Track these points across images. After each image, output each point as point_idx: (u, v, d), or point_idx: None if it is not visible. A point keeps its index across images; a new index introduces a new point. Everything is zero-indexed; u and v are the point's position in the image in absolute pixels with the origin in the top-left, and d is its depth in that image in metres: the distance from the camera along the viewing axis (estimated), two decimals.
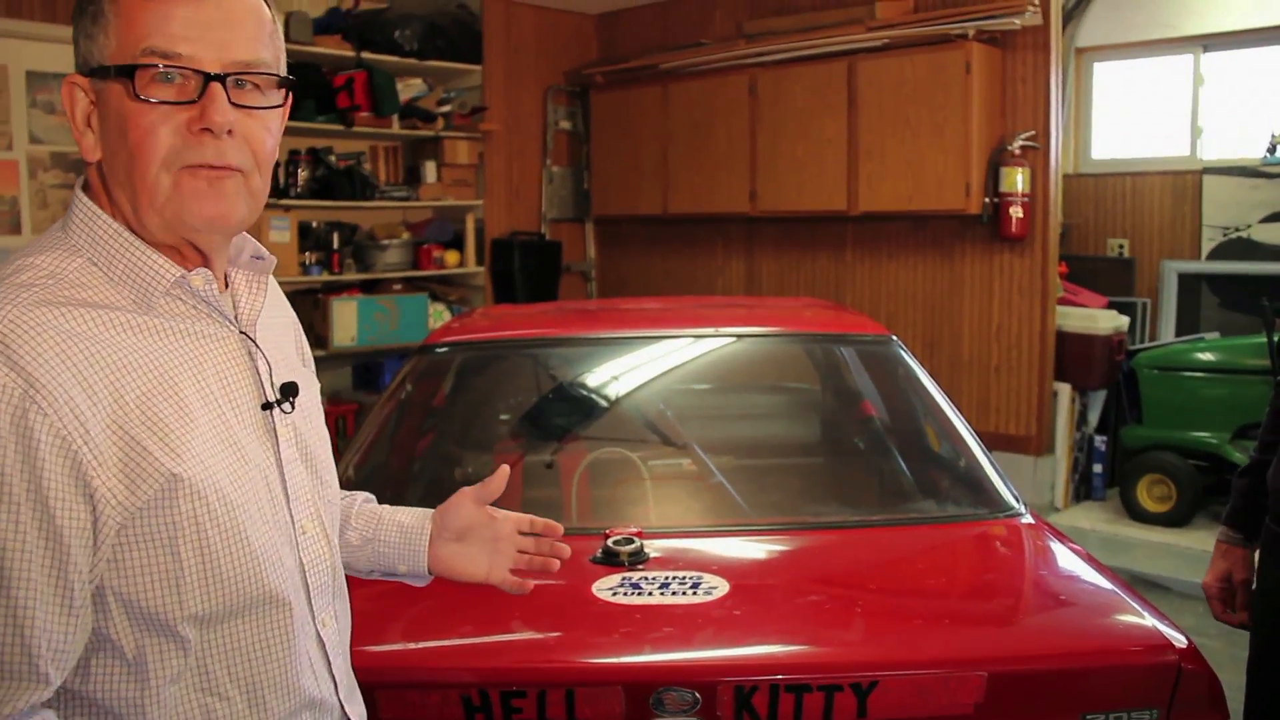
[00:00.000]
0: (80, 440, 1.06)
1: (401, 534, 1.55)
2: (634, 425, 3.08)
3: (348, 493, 1.58)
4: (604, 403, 3.10)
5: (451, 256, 6.89)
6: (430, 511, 1.58)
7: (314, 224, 6.34)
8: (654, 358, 3.12)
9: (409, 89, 6.62)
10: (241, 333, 1.25)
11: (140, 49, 1.12)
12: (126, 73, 1.12)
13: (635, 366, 3.14)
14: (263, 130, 1.20)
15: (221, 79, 1.14)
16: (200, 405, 1.16)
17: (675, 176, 6.96)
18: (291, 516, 1.26)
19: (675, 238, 7.33)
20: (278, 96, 1.22)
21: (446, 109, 6.84)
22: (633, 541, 2.20)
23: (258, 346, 1.26)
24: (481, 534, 1.57)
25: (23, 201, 5.62)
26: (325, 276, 6.26)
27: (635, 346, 3.14)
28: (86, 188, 1.22)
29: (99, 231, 1.18)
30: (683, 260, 7.30)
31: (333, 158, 6.36)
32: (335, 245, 6.31)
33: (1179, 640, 1.86)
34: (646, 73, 7.13)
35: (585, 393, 3.13)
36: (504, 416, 3.39)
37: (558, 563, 1.59)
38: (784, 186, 6.39)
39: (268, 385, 1.26)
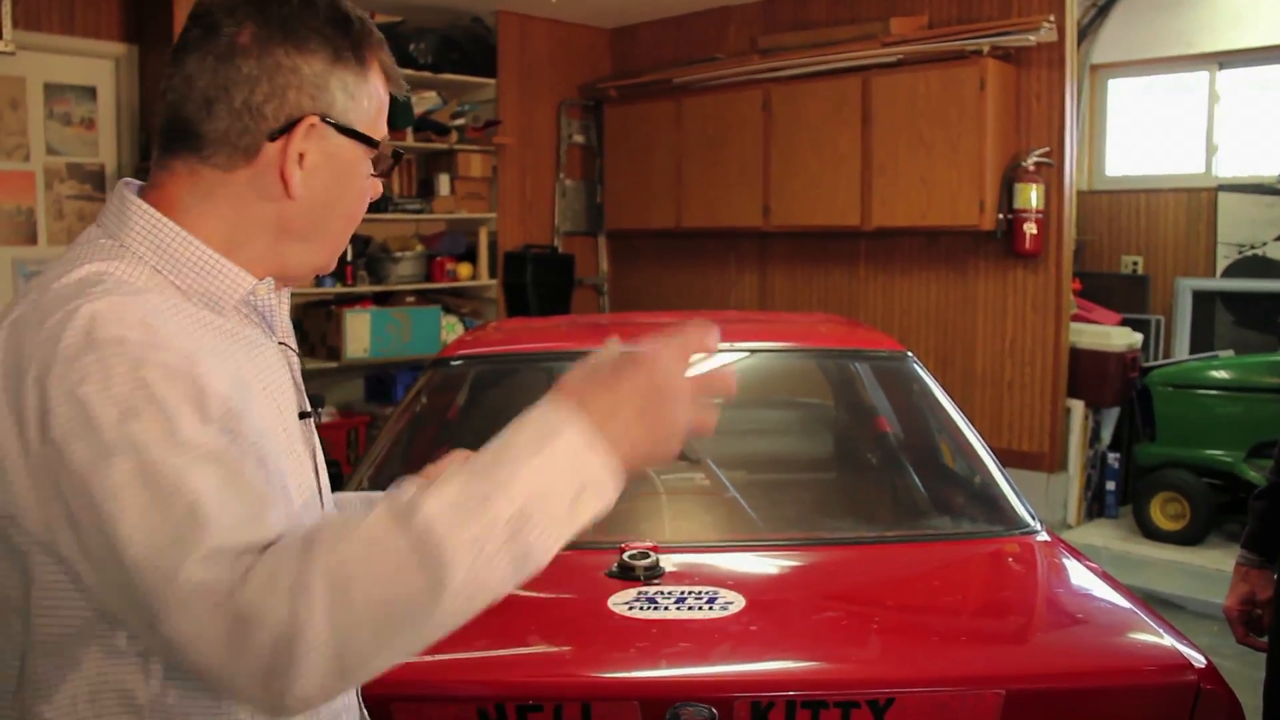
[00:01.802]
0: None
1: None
2: None
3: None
4: None
5: (464, 269, 6.90)
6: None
7: None
8: None
9: (423, 102, 6.64)
10: (280, 343, 1.26)
11: (382, 136, 1.21)
12: (395, 156, 1.25)
13: None
14: None
15: None
16: (269, 409, 1.16)
17: (688, 191, 6.97)
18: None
19: (688, 252, 7.33)
20: None
21: (460, 122, 6.86)
22: (648, 556, 2.19)
23: (296, 355, 1.28)
24: None
25: (39, 212, 5.65)
26: (338, 288, 6.27)
27: None
28: (141, 194, 1.17)
29: (167, 241, 1.14)
30: (695, 275, 7.31)
31: None
32: (348, 257, 6.32)
33: (1198, 660, 1.85)
34: (660, 87, 7.14)
35: None
36: None
37: None
38: (797, 201, 6.39)
39: (303, 395, 1.27)
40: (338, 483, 1.76)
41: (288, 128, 1.13)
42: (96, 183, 5.83)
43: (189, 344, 1.03)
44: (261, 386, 1.16)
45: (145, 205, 1.15)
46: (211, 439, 0.97)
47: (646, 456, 1.05)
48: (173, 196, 1.16)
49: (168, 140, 1.16)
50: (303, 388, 1.28)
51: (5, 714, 1.07)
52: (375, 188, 1.24)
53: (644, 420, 1.04)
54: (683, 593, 2.09)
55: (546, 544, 0.98)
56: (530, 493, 0.96)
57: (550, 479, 0.98)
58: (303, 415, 1.25)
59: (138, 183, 1.19)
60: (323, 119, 1.15)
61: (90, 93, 5.77)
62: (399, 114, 6.07)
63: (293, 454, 1.19)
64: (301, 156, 1.15)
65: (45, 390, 0.98)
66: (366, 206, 1.24)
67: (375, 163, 1.21)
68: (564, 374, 1.07)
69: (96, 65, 5.77)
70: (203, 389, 1.00)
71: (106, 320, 1.00)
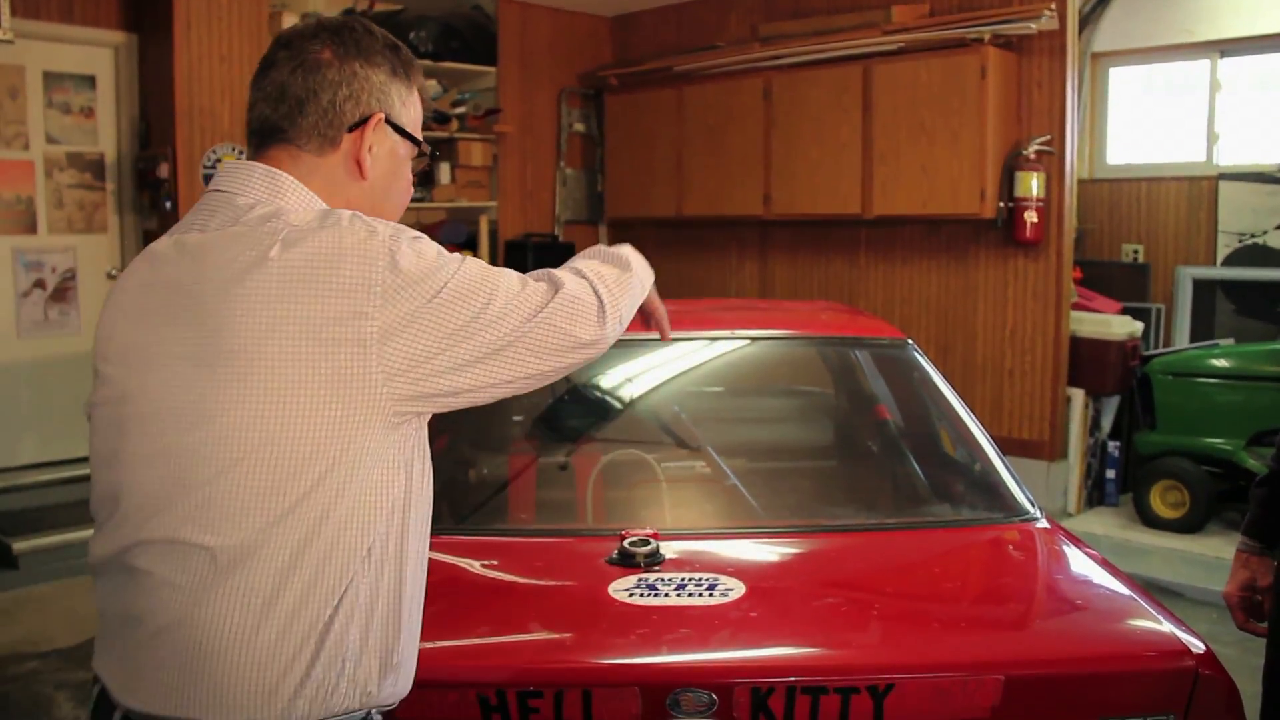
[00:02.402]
0: None
1: None
2: (648, 427, 3.08)
3: None
4: (618, 404, 3.10)
5: None
6: None
7: None
8: (668, 360, 3.12)
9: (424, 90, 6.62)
10: None
11: (421, 133, 1.55)
12: (432, 155, 1.62)
13: (649, 368, 3.14)
14: None
15: None
16: None
17: (689, 179, 6.96)
18: None
19: (689, 240, 7.33)
20: None
21: (461, 111, 6.86)
22: (649, 543, 2.20)
23: None
24: None
25: (38, 201, 5.65)
26: None
27: (649, 348, 3.13)
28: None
29: (317, 208, 1.42)
30: (696, 263, 7.31)
31: None
32: None
33: (1196, 646, 1.86)
34: (661, 75, 7.13)
35: (600, 394, 3.13)
36: (518, 418, 3.39)
37: None
38: (798, 190, 6.39)
39: None
40: None
41: (362, 122, 1.46)
42: (96, 171, 5.83)
43: None
44: None
45: (296, 180, 1.43)
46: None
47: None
48: (302, 178, 1.44)
49: (264, 136, 1.46)
50: None
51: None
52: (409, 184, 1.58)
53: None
54: (683, 579, 2.09)
55: (646, 284, 1.66)
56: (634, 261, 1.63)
57: (637, 264, 1.64)
58: None
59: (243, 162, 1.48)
60: (386, 118, 1.47)
61: (89, 81, 5.77)
62: None
63: None
64: (370, 147, 1.46)
65: (394, 259, 1.31)
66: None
67: (414, 162, 1.55)
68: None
69: (96, 54, 5.77)
70: None
71: (387, 223, 1.36)
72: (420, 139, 1.54)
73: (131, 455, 1.34)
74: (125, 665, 1.36)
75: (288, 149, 1.44)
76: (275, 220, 1.35)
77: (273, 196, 1.40)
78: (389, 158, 1.50)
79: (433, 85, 6.73)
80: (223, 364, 1.29)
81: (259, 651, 1.29)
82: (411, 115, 1.52)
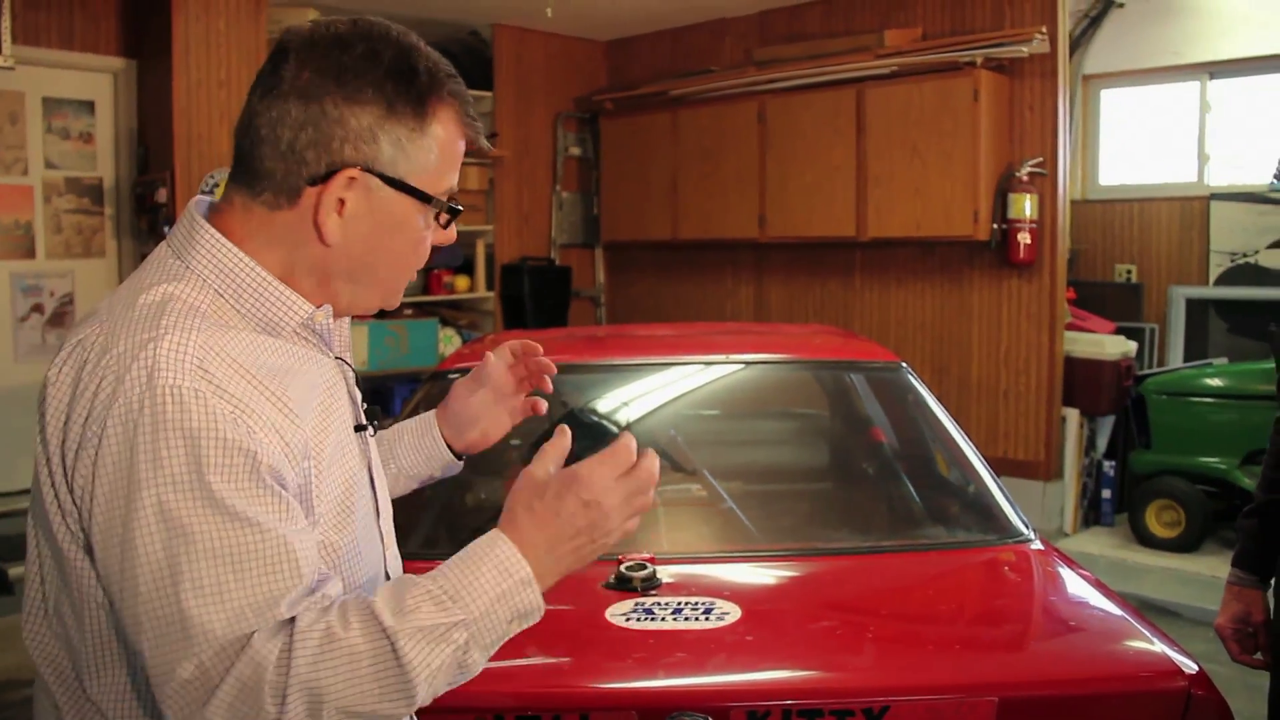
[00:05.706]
0: (280, 449, 1.11)
1: (417, 452, 1.65)
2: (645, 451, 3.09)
3: None
4: (615, 428, 3.11)
5: (462, 281, 6.92)
6: (428, 416, 1.67)
7: None
8: (664, 384, 3.14)
9: None
10: (337, 358, 1.30)
11: (445, 188, 1.23)
12: (450, 210, 1.24)
13: (646, 393, 3.16)
14: None
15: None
16: (324, 426, 1.20)
17: (685, 202, 6.99)
18: (380, 530, 1.33)
19: (684, 263, 7.35)
20: None
21: None
22: (645, 567, 2.21)
23: (353, 371, 1.34)
24: (487, 400, 1.65)
25: (37, 226, 5.66)
26: None
27: (646, 373, 3.16)
28: (210, 216, 1.21)
29: (228, 264, 1.17)
30: (692, 286, 7.33)
31: None
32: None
33: (1189, 666, 1.87)
34: (656, 99, 7.17)
35: (596, 418, 3.15)
36: (515, 442, 3.40)
37: (549, 383, 1.68)
38: (793, 213, 6.42)
39: (360, 409, 1.33)
40: None
41: (327, 176, 1.15)
42: (94, 197, 5.85)
43: (242, 386, 1.09)
44: (317, 403, 1.20)
45: (212, 229, 1.18)
46: (235, 527, 1.05)
47: (575, 569, 1.19)
48: (232, 225, 1.19)
49: (233, 172, 1.20)
50: (359, 401, 1.33)
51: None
52: (444, 235, 1.26)
53: (578, 551, 1.17)
54: (679, 603, 2.11)
55: (480, 662, 1.12)
56: (479, 625, 1.10)
57: (495, 614, 1.11)
58: (358, 428, 1.30)
59: (208, 200, 1.23)
60: (367, 170, 1.16)
61: (89, 107, 5.80)
62: None
63: (345, 469, 1.23)
64: (342, 204, 1.16)
65: (104, 426, 1.06)
66: (425, 254, 1.25)
67: (438, 214, 1.23)
68: (511, 501, 1.19)
69: (95, 80, 5.80)
70: (250, 454, 1.06)
71: (165, 366, 1.05)
72: (438, 189, 1.21)
73: None
74: None
75: (242, 194, 1.18)
76: (108, 312, 1.14)
77: (184, 251, 1.18)
78: (372, 217, 1.18)
79: None
80: None
81: None
82: (420, 160, 1.19)
